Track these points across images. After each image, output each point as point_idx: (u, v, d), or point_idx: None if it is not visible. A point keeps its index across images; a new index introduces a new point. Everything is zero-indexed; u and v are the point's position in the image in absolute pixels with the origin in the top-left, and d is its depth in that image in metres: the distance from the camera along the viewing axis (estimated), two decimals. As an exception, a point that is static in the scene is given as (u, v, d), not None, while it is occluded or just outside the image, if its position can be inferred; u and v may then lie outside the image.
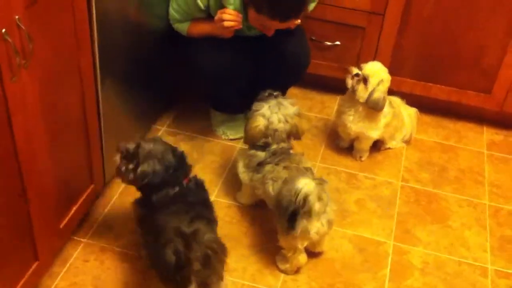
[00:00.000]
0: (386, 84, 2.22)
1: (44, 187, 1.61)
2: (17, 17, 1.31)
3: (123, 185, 2.18)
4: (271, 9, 1.94)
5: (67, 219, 1.80)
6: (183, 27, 2.21)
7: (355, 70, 2.23)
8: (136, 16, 2.01)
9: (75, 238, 1.95)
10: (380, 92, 2.19)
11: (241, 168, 2.03)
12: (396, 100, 2.43)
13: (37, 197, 1.57)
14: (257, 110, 1.97)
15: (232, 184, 2.22)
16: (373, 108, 2.22)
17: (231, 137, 2.46)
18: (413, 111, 2.51)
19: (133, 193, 2.10)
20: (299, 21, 2.16)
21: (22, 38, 1.34)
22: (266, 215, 2.05)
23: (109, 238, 1.97)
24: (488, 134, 2.64)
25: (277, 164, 1.91)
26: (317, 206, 1.74)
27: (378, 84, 2.19)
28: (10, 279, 1.56)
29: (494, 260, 2.03)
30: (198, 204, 1.70)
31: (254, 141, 1.98)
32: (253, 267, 1.92)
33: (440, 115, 2.70)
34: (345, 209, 2.17)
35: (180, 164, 1.74)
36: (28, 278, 1.62)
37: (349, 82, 2.25)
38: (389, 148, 2.49)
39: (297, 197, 1.69)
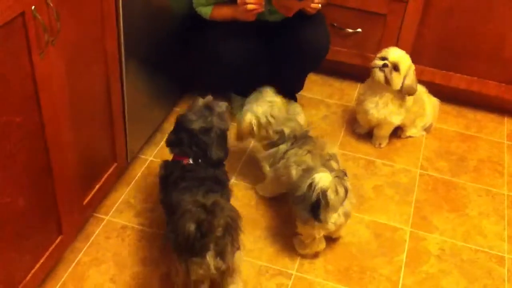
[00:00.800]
0: (413, 67, 2.24)
1: (68, 164, 1.65)
2: (46, -5, 1.35)
3: (145, 165, 2.23)
4: None
5: (90, 196, 1.85)
6: (206, 11, 2.23)
7: (380, 62, 2.22)
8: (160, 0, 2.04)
9: (97, 215, 2.00)
10: (411, 77, 2.21)
11: (267, 169, 2.05)
12: (419, 87, 2.43)
13: (61, 173, 1.62)
14: (240, 112, 2.04)
15: (251, 167, 2.25)
16: (408, 93, 2.24)
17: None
18: (435, 101, 2.51)
19: (155, 175, 2.15)
20: (319, 5, 2.17)
21: (50, 16, 1.38)
22: (283, 198, 2.07)
23: (130, 216, 2.02)
24: (509, 125, 2.63)
25: (300, 147, 1.93)
26: (333, 199, 1.74)
27: (409, 69, 2.21)
28: (35, 250, 1.61)
29: (511, 249, 2.03)
30: (208, 179, 1.73)
31: (251, 137, 2.04)
32: (270, 249, 1.95)
33: (461, 104, 2.70)
34: (363, 195, 2.19)
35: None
36: (52, 251, 1.68)
37: (380, 74, 2.22)
38: (410, 137, 2.49)
39: (313, 192, 1.70)
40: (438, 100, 2.51)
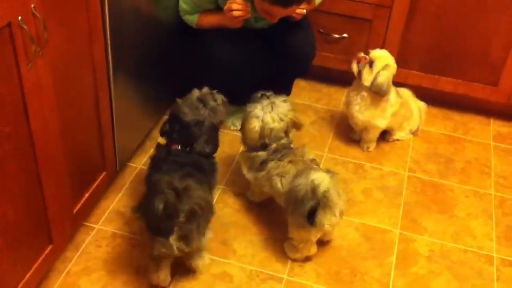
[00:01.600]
0: (392, 70, 2.24)
1: (58, 173, 1.65)
2: (32, 5, 1.35)
3: (134, 173, 2.23)
4: None
5: (80, 205, 1.85)
6: (192, 19, 2.25)
7: (361, 54, 2.26)
8: (148, 8, 2.05)
9: (87, 224, 2.00)
10: (384, 77, 2.21)
11: (245, 171, 2.04)
12: (404, 91, 2.45)
13: (51, 182, 1.62)
14: (250, 112, 1.98)
15: (241, 174, 2.25)
16: (377, 92, 2.24)
17: (240, 127, 2.50)
18: (422, 105, 2.53)
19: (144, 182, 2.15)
20: (304, 11, 2.19)
21: (37, 26, 1.39)
22: (273, 204, 2.08)
23: (120, 224, 2.02)
24: (495, 126, 2.66)
25: (280, 160, 1.92)
26: (335, 198, 1.75)
27: (383, 68, 2.21)
28: (25, 261, 1.61)
29: (500, 249, 2.05)
30: (189, 165, 1.78)
31: (252, 142, 1.99)
32: (261, 254, 1.96)
33: (447, 107, 2.73)
34: (352, 199, 2.21)
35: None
36: (42, 261, 1.67)
37: (354, 66, 2.27)
38: (397, 140, 2.51)
39: (315, 193, 1.70)
40: (425, 104, 2.54)
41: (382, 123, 2.36)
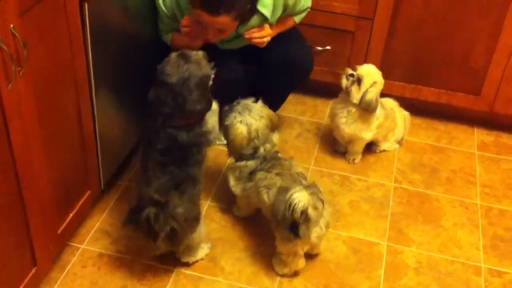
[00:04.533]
0: (379, 86, 2.26)
1: (41, 193, 1.63)
2: (12, 25, 1.33)
3: (119, 190, 2.20)
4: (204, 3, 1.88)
5: (64, 225, 1.82)
6: (167, 38, 2.22)
7: (349, 71, 2.27)
8: (129, 24, 2.04)
9: (72, 244, 1.97)
10: (373, 94, 2.22)
11: (232, 182, 2.02)
12: (389, 102, 2.46)
13: (34, 203, 1.59)
14: (231, 121, 1.96)
15: (227, 189, 2.24)
16: (365, 109, 2.26)
17: (225, 142, 2.48)
18: (406, 114, 2.54)
19: (130, 200, 2.13)
20: (265, 39, 2.12)
21: (17, 46, 1.37)
22: (259, 218, 2.07)
23: (106, 243, 1.99)
24: (478, 135, 2.68)
25: (268, 171, 1.91)
26: (314, 216, 1.75)
27: (371, 86, 2.22)
28: (9, 284, 1.58)
29: (487, 259, 2.06)
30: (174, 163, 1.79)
31: (240, 150, 1.97)
32: (249, 270, 1.95)
33: (431, 117, 2.74)
34: (339, 211, 2.20)
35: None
36: (26, 284, 1.64)
37: (344, 82, 2.28)
38: (384, 151, 2.51)
39: (295, 212, 1.70)
40: (408, 113, 2.55)
41: (368, 136, 2.36)
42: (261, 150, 1.98)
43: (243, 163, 1.99)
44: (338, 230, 2.12)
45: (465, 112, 2.68)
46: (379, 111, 2.34)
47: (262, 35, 2.11)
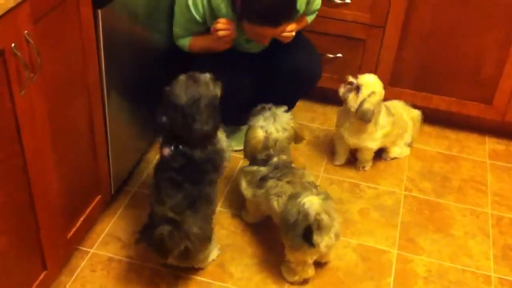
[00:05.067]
0: (378, 97, 2.22)
1: (51, 199, 1.64)
2: (26, 32, 1.35)
3: (129, 196, 2.22)
4: (260, 16, 1.97)
5: (74, 229, 1.83)
6: (184, 42, 2.24)
7: (350, 78, 2.25)
8: (142, 32, 2.05)
9: (82, 248, 1.98)
10: (370, 104, 2.19)
11: (244, 185, 2.03)
12: (397, 105, 2.44)
13: (44, 208, 1.61)
14: (253, 124, 1.99)
15: (236, 194, 2.25)
16: (361, 119, 2.23)
17: (235, 148, 2.49)
18: (416, 113, 2.50)
19: (140, 205, 2.15)
20: (293, 33, 2.17)
21: (31, 53, 1.39)
22: (269, 225, 2.07)
23: (115, 248, 2.00)
24: (490, 144, 2.66)
25: (279, 180, 1.91)
26: (327, 221, 1.75)
27: (369, 95, 2.20)
28: (19, 288, 1.59)
29: (497, 268, 2.04)
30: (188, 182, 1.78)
31: (254, 153, 1.99)
32: (258, 277, 1.95)
33: (442, 125, 2.73)
34: (349, 219, 2.20)
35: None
36: (36, 287, 1.65)
37: (341, 90, 2.26)
38: (395, 158, 2.50)
39: (308, 217, 1.71)
40: (419, 112, 2.51)
41: (372, 145, 2.34)
42: (275, 159, 1.98)
43: (255, 168, 1.99)
44: (348, 237, 2.11)
45: (476, 121, 2.67)
46: (385, 120, 2.31)
47: (291, 29, 2.15)
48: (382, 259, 2.05)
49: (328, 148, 2.56)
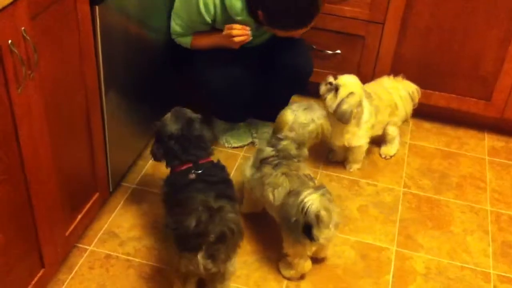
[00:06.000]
0: (357, 98, 2.19)
1: (49, 197, 1.63)
2: (23, 28, 1.34)
3: (127, 193, 2.21)
4: (291, 25, 2.04)
5: (72, 227, 1.83)
6: (186, 40, 2.24)
7: (330, 78, 2.23)
8: (139, 28, 2.04)
9: (80, 245, 1.98)
10: (348, 105, 2.17)
11: (250, 162, 2.03)
12: (382, 84, 2.39)
13: (42, 205, 1.60)
14: (288, 106, 2.02)
15: (237, 190, 2.25)
16: (339, 119, 2.20)
17: (234, 145, 2.49)
18: (413, 88, 2.43)
19: (138, 202, 2.14)
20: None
21: (28, 49, 1.38)
22: (268, 222, 2.06)
23: (114, 245, 2.00)
24: (489, 141, 2.66)
25: (274, 169, 1.91)
26: (326, 218, 1.76)
27: (347, 96, 2.17)
28: (17, 286, 1.59)
29: (496, 265, 2.04)
30: (219, 183, 1.77)
31: (277, 132, 2.00)
32: (256, 274, 1.94)
33: (441, 122, 2.73)
34: (347, 216, 2.19)
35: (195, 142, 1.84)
36: (34, 285, 1.65)
37: (323, 88, 2.24)
38: (393, 155, 2.50)
39: (307, 215, 1.71)
40: (416, 87, 2.44)
41: (359, 142, 2.31)
42: (284, 142, 1.96)
43: (264, 147, 2.00)
44: (346, 234, 2.11)
45: (476, 117, 2.66)
46: (367, 113, 2.27)
47: None
48: (381, 256, 2.05)
49: (326, 144, 2.55)
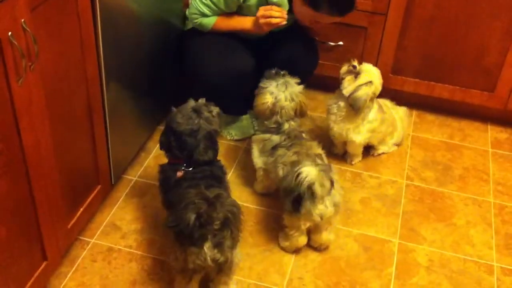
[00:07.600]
0: (374, 88, 2.17)
1: (51, 189, 1.63)
2: (22, 20, 1.33)
3: (129, 186, 2.21)
4: (331, 7, 2.02)
5: (74, 219, 1.82)
6: (209, 21, 2.20)
7: (355, 62, 2.21)
8: (140, 20, 2.03)
9: (82, 238, 1.98)
10: (364, 92, 2.15)
11: (255, 153, 2.08)
12: (387, 104, 2.41)
13: (44, 198, 1.60)
14: (265, 87, 2.03)
15: (238, 184, 2.24)
16: (352, 105, 2.19)
17: (236, 137, 2.48)
18: (402, 110, 2.47)
19: (140, 195, 2.14)
20: None
21: (28, 41, 1.37)
22: (271, 214, 2.06)
23: (116, 238, 1.99)
24: (492, 132, 2.65)
25: (288, 149, 1.96)
26: (319, 192, 1.78)
27: (366, 84, 2.16)
28: (19, 279, 1.58)
29: (500, 258, 2.03)
30: (208, 177, 1.78)
31: (261, 117, 2.05)
32: (259, 266, 1.94)
33: (445, 114, 2.71)
34: (350, 208, 2.19)
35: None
36: (36, 278, 1.65)
37: (344, 68, 2.23)
38: (383, 153, 2.47)
39: (301, 185, 1.74)
40: (405, 109, 2.49)
41: (357, 138, 2.29)
42: (286, 126, 2.02)
43: (267, 135, 2.03)
44: (349, 227, 2.10)
45: (479, 109, 2.65)
46: (374, 115, 2.27)
47: None
48: (384, 248, 2.04)
49: (329, 137, 2.54)
